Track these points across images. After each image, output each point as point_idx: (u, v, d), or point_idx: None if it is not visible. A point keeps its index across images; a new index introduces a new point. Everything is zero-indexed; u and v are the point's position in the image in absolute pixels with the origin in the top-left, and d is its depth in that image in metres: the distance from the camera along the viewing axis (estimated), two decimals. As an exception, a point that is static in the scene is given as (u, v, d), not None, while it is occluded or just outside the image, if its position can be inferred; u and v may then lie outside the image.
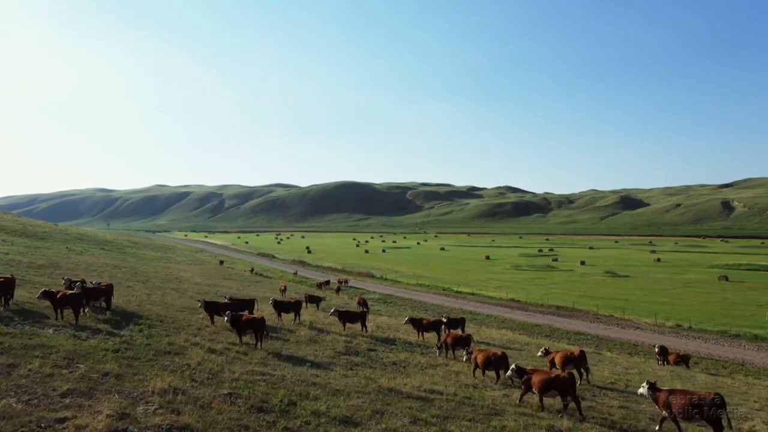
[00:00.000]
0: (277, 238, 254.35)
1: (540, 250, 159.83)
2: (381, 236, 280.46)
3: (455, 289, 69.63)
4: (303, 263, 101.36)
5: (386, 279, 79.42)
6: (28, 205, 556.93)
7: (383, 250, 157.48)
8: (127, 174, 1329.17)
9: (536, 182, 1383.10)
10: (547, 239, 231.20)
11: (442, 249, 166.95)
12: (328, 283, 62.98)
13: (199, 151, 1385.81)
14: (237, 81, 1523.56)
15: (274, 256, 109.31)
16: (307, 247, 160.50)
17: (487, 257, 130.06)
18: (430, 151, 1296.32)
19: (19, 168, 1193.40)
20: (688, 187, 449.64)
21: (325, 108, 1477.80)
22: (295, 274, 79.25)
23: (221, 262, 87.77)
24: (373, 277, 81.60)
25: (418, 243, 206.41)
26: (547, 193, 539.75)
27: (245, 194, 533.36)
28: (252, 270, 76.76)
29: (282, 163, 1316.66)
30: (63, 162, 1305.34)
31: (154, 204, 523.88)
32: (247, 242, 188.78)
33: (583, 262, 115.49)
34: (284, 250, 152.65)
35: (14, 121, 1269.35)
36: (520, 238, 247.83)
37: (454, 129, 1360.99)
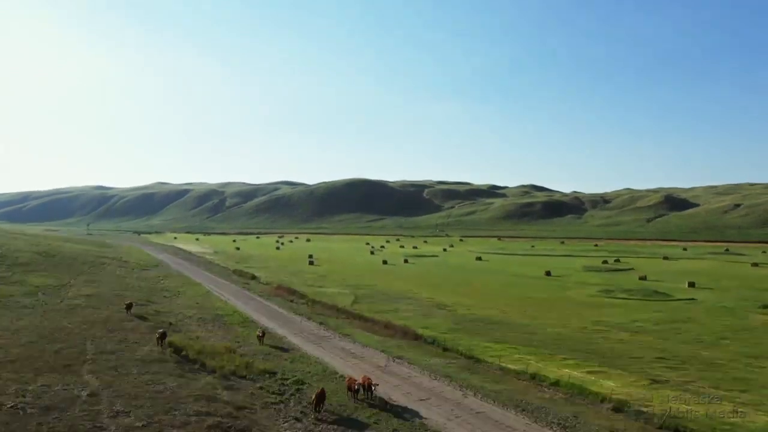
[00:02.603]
0: (278, 241, 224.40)
1: (605, 261, 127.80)
2: (398, 239, 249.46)
3: (608, 392, 38.04)
4: (292, 293, 64.89)
5: (445, 341, 46.55)
6: (20, 203, 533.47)
7: (405, 260, 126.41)
8: (129, 171, 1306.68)
9: (560, 180, 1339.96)
10: (596, 245, 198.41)
11: (479, 259, 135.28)
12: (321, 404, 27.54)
13: (205, 147, 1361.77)
14: (245, 77, 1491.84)
15: (254, 276, 74.79)
16: (310, 256, 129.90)
17: (548, 273, 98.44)
18: (443, 148, 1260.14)
19: (18, 165, 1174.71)
20: (737, 186, 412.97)
21: (335, 104, 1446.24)
22: (261, 338, 38.52)
23: (129, 307, 45.76)
24: (420, 340, 42.54)
25: (445, 249, 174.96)
26: (576, 192, 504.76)
27: (248, 192, 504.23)
28: (166, 329, 36.10)
29: (289, 160, 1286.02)
30: (62, 158, 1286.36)
31: (151, 202, 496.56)
32: (238, 248, 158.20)
33: (692, 284, 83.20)
34: (279, 260, 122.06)
35: (13, 118, 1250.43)
36: (562, 243, 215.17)
37: (468, 126, 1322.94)
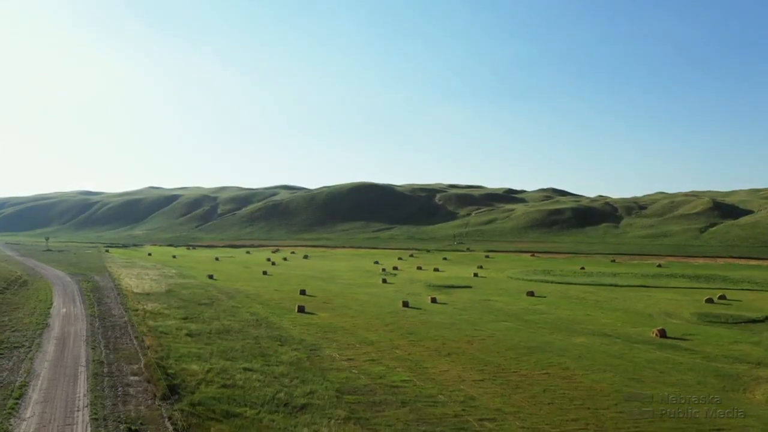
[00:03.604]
0: (269, 260, 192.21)
1: (709, 299, 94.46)
2: (411, 255, 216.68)
3: None
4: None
5: None
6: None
7: (433, 299, 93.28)
8: (122, 175, 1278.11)
9: (576, 182, 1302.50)
10: (660, 265, 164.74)
11: (531, 294, 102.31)
12: None
13: (202, 149, 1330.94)
14: (244, 76, 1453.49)
15: (173, 396, 38.88)
16: (302, 293, 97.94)
17: (663, 334, 65.31)
18: (451, 149, 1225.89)
19: (2, 168, 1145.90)
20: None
21: (338, 104, 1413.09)
22: None
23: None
24: None
25: (476, 274, 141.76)
26: (602, 195, 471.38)
27: (243, 198, 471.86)
28: None
29: (290, 162, 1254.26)
30: (52, 162, 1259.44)
31: (136, 210, 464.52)
32: (211, 276, 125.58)
33: None
34: (258, 301, 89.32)
35: (9, 120, 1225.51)
36: (613, 261, 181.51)
37: (476, 127, 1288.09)
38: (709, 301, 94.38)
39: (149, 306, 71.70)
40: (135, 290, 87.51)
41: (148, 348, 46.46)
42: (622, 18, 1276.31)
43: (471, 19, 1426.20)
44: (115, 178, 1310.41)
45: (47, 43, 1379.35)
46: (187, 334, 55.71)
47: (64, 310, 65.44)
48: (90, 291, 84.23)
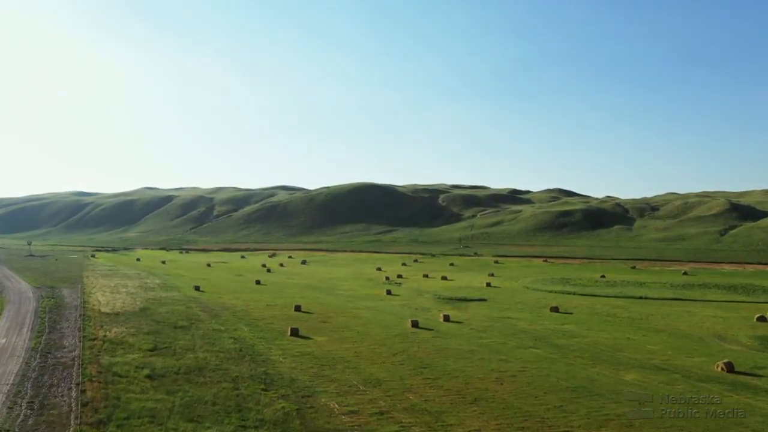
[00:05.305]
0: (264, 266, 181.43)
1: (762, 317, 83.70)
2: (417, 260, 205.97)
3: None
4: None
5: None
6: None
7: (446, 317, 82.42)
8: (117, 176, 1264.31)
9: (579, 181, 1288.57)
10: (685, 273, 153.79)
11: (555, 310, 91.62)
12: None
13: (199, 148, 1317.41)
14: (243, 75, 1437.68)
15: None
16: (297, 309, 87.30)
17: (730, 368, 54.65)
18: (452, 149, 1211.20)
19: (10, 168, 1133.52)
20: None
21: (338, 103, 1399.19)
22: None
23: None
24: None
25: (488, 284, 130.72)
26: (609, 196, 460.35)
27: (240, 199, 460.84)
28: None
29: (288, 163, 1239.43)
30: (49, 161, 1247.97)
31: (129, 211, 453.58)
32: (198, 288, 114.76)
33: None
34: (245, 320, 78.63)
35: (8, 120, 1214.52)
36: (634, 269, 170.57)
37: (477, 127, 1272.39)
38: (762, 319, 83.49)
39: (113, 332, 60.71)
40: (103, 309, 76.47)
41: (87, 404, 35.55)
42: (625, 16, 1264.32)
43: (471, 19, 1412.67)
44: (112, 178, 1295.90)
45: (47, 43, 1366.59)
46: (148, 376, 44.74)
47: (4, 340, 54.46)
48: (48, 311, 73.07)
